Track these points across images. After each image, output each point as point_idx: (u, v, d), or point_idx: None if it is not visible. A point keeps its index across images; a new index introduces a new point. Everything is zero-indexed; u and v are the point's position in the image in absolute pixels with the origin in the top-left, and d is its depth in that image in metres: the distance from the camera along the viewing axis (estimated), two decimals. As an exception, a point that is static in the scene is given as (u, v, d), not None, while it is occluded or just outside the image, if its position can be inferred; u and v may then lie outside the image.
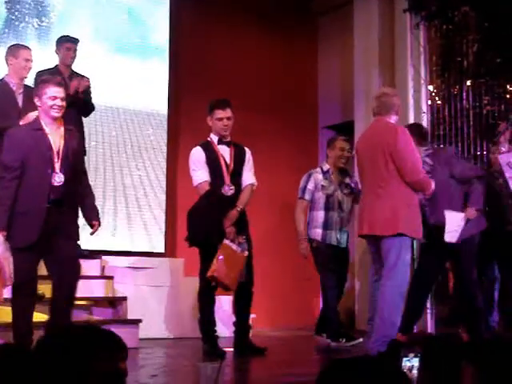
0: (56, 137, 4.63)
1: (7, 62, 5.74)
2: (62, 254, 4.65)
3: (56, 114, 4.54)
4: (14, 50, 5.76)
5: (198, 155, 5.44)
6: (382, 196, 4.71)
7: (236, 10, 8.16)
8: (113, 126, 7.39)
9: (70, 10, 7.31)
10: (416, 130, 5.40)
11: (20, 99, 5.63)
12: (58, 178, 4.54)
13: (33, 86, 5.57)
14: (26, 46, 5.90)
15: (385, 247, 4.71)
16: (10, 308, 5.09)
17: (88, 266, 6.38)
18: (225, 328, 6.21)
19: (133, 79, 7.62)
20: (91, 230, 4.86)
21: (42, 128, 4.60)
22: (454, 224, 5.25)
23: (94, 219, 4.82)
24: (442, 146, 6.57)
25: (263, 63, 8.31)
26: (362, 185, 5.15)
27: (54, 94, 4.52)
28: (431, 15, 6.89)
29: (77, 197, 4.81)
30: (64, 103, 4.56)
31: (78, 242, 6.22)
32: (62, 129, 4.67)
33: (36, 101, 4.59)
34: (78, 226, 4.85)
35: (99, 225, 4.90)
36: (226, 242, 5.21)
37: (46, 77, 5.05)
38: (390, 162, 4.68)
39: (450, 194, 5.29)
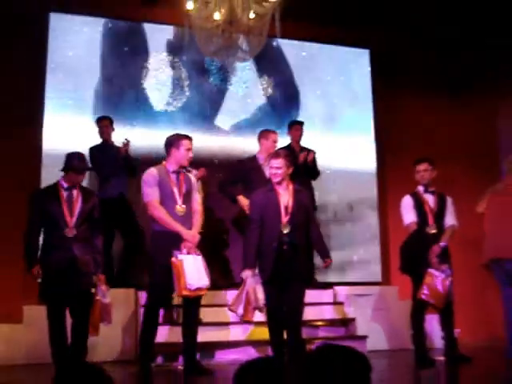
0: (285, 195, 5.16)
1: (260, 142, 6.46)
2: (290, 294, 5.07)
3: (275, 178, 5.16)
4: (265, 134, 6.45)
5: (407, 201, 5.82)
6: None
7: (428, 89, 8.51)
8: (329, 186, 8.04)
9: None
10: None
11: (268, 171, 6.09)
12: (285, 229, 5.06)
13: None
14: (274, 131, 6.54)
15: None
16: (263, 328, 5.75)
17: (323, 295, 6.93)
18: (436, 341, 6.39)
19: (344, 147, 8.27)
20: (323, 265, 5.35)
21: (274, 189, 5.20)
22: None
23: (326, 257, 5.30)
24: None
25: (450, 123, 8.54)
26: None
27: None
28: None
29: (312, 242, 5.25)
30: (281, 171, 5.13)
31: (316, 277, 6.77)
32: (291, 188, 5.19)
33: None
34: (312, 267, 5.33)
35: (331, 261, 5.35)
36: (431, 270, 5.51)
37: None
38: None
39: None
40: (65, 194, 5.00)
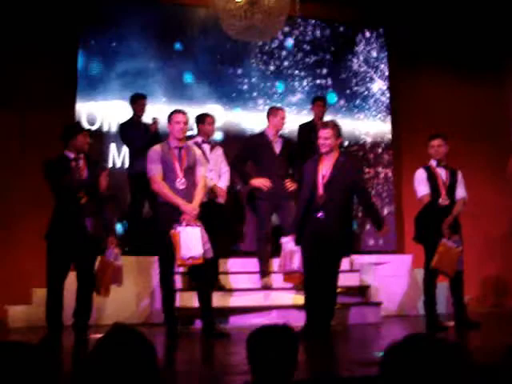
0: (326, 166, 5.08)
1: (268, 119, 6.35)
2: (325, 265, 5.04)
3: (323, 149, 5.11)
4: (273, 111, 6.38)
5: (420, 175, 5.87)
6: None
7: (440, 65, 8.41)
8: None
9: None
10: None
11: (277, 147, 6.29)
12: (321, 198, 5.00)
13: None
14: (282, 108, 6.47)
15: None
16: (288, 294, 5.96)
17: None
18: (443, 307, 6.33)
19: (361, 122, 8.26)
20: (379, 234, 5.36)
21: (318, 159, 5.14)
22: None
23: (377, 226, 5.20)
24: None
25: (460, 101, 8.46)
26: None
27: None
28: None
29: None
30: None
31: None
32: (334, 159, 5.09)
33: None
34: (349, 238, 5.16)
35: (385, 230, 5.24)
36: (444, 240, 5.61)
37: None
38: None
39: None
40: (73, 163, 5.04)
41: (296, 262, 5.11)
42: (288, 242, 5.17)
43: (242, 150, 6.46)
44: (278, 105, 6.71)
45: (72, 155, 5.08)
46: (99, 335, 1.79)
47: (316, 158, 5.18)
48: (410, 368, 1.54)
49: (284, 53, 8.06)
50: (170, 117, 5.37)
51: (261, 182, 6.21)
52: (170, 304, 5.26)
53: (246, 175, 6.37)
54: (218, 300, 5.81)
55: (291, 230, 5.25)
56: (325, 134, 5.09)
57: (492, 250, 7.25)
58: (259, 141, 6.33)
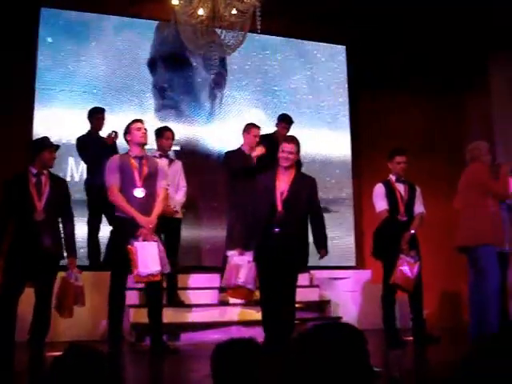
0: (284, 181, 4.96)
1: (243, 135, 6.34)
2: (283, 281, 4.91)
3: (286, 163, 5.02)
4: (247, 128, 6.36)
5: (379, 189, 5.81)
6: None
7: (401, 84, 8.41)
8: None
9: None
10: None
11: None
12: (278, 214, 4.88)
13: None
14: (256, 126, 6.41)
15: None
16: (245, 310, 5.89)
17: (300, 278, 6.21)
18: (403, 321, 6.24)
19: (320, 139, 8.15)
20: (319, 256, 5.12)
21: (276, 173, 5.03)
22: None
23: (320, 248, 5.06)
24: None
25: (422, 118, 8.52)
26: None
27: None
28: None
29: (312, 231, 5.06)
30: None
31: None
32: (293, 175, 5.01)
33: None
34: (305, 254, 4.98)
35: (325, 254, 5.12)
36: (402, 256, 5.56)
37: None
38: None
39: None
40: (33, 179, 4.90)
41: (242, 277, 5.00)
42: (234, 255, 5.06)
43: (234, 162, 6.19)
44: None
45: (35, 170, 4.94)
46: (55, 352, 1.66)
47: (274, 173, 5.07)
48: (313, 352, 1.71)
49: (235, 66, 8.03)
50: (128, 127, 5.26)
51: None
52: (116, 320, 5.06)
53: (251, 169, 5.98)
54: (175, 316, 5.71)
55: (237, 243, 5.15)
56: (289, 148, 4.99)
57: (450, 264, 7.26)
58: (238, 154, 6.24)
